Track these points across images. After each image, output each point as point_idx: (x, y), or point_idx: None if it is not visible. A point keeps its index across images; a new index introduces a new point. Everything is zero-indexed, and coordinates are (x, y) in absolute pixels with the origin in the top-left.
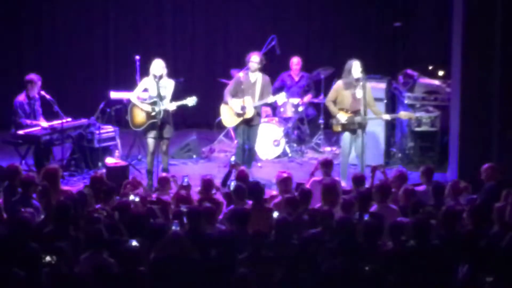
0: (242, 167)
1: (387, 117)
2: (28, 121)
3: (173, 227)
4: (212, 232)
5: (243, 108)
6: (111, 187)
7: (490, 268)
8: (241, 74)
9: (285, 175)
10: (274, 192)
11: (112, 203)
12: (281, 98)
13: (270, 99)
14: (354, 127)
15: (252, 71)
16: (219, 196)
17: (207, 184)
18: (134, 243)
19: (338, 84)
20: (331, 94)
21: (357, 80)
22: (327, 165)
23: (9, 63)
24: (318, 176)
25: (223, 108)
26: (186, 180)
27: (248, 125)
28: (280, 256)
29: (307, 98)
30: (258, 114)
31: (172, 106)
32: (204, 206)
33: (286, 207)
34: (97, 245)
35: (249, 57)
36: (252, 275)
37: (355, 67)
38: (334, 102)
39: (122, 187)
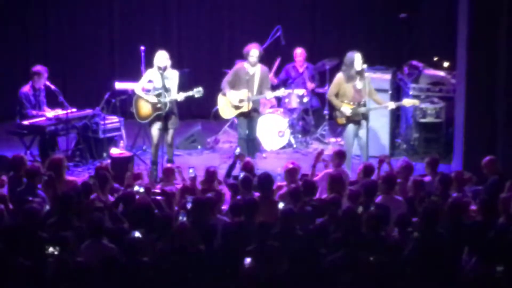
0: (248, 158)
1: (392, 105)
2: (34, 112)
3: (180, 218)
4: (216, 223)
5: (241, 101)
6: (106, 175)
7: (499, 258)
8: (240, 66)
9: (291, 165)
10: (279, 183)
11: (107, 191)
12: (279, 93)
13: (269, 95)
14: (358, 119)
15: (252, 65)
16: (221, 188)
17: (210, 176)
18: (137, 234)
19: (339, 77)
20: (333, 88)
21: (358, 72)
22: (340, 156)
23: (14, 54)
24: (330, 168)
25: (220, 99)
26: (191, 171)
27: (246, 117)
28: (285, 247)
29: (311, 85)
30: (255, 110)
31: (180, 97)
32: (207, 196)
33: (289, 198)
34: (97, 233)
35: (248, 50)
36: (257, 266)
37: (357, 59)
38: (336, 95)
39: (126, 178)
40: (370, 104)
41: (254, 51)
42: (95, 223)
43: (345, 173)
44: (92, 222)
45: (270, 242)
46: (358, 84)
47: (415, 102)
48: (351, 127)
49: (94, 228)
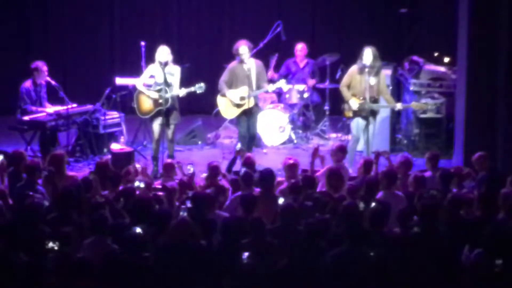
0: (249, 154)
1: (399, 106)
2: (34, 108)
3: (181, 213)
4: (215, 218)
5: (242, 99)
6: (116, 175)
7: (499, 252)
8: (233, 65)
9: (291, 161)
10: (279, 179)
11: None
12: (280, 85)
13: (270, 87)
14: (365, 114)
15: (246, 62)
16: (224, 183)
17: (213, 171)
18: (138, 230)
19: (353, 69)
20: (345, 79)
21: (369, 67)
22: (341, 151)
23: (16, 49)
24: (325, 164)
25: (220, 100)
26: (188, 167)
27: (247, 114)
28: (285, 242)
29: (311, 82)
30: (255, 105)
31: (182, 92)
32: (205, 192)
33: (289, 193)
34: (101, 230)
35: (237, 48)
36: (256, 261)
37: (366, 54)
38: (348, 87)
39: (123, 173)
40: (380, 102)
41: (243, 48)
42: (99, 221)
43: (345, 169)
44: (96, 219)
45: (265, 237)
46: (372, 80)
47: (423, 106)
48: (356, 121)
49: (98, 226)
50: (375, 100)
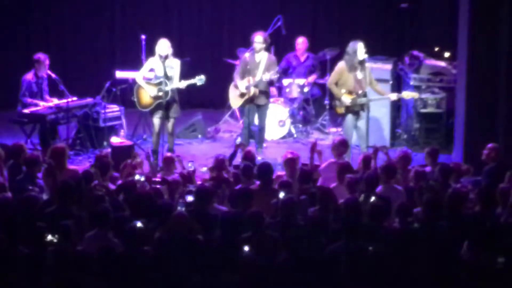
0: (249, 147)
1: (394, 96)
2: (29, 100)
3: (179, 207)
4: (215, 212)
5: (247, 87)
6: (107, 163)
7: (500, 249)
8: (247, 55)
9: (290, 155)
10: (279, 173)
11: (108, 179)
12: (272, 75)
13: (265, 76)
14: (357, 109)
15: (257, 51)
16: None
17: (219, 164)
18: (139, 224)
19: (341, 66)
20: (333, 77)
21: (361, 61)
22: (343, 145)
23: (16, 43)
24: (327, 159)
25: (231, 89)
26: (189, 165)
27: (254, 104)
28: (285, 236)
29: (312, 78)
30: (262, 93)
31: (183, 84)
32: (206, 185)
33: (280, 189)
34: (103, 224)
35: (253, 37)
36: (256, 255)
37: (360, 49)
38: (336, 84)
39: (122, 167)
40: (371, 95)
41: (257, 37)
42: (101, 214)
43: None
44: (98, 213)
45: (265, 230)
46: (359, 74)
47: (415, 95)
48: (350, 117)
49: (100, 219)
50: (364, 94)
